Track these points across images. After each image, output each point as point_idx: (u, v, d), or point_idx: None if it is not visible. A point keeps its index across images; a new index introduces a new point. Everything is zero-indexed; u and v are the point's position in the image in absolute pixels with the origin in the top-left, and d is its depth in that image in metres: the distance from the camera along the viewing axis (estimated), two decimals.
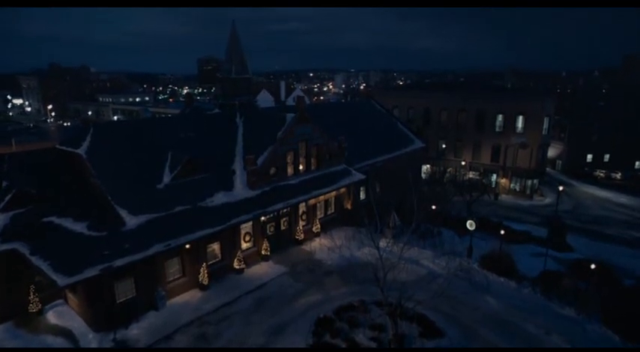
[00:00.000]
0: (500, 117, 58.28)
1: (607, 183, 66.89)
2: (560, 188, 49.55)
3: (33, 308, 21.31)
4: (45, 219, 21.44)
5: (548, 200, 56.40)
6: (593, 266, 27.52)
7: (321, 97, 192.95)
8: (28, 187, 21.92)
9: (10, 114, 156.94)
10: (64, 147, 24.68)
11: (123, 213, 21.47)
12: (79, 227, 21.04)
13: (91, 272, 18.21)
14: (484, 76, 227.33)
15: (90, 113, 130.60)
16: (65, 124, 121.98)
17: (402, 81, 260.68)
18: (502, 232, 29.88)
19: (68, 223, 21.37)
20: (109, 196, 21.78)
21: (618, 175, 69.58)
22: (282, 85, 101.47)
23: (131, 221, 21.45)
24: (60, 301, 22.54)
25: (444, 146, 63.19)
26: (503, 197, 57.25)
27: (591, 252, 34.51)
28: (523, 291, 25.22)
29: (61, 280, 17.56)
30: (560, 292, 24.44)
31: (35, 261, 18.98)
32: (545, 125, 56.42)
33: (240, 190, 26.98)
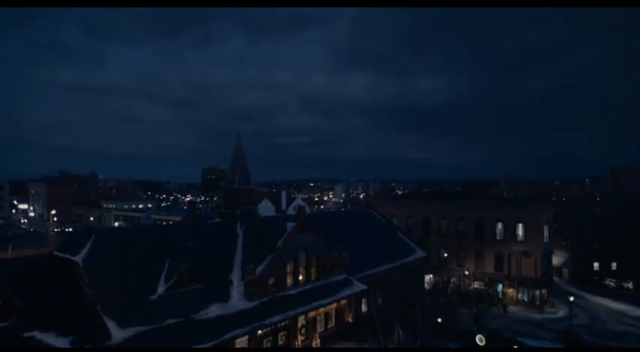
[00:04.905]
0: (499, 226, 58.47)
1: (619, 293, 64.20)
2: (572, 299, 47.48)
3: None
4: (27, 334, 20.15)
5: (561, 312, 53.49)
6: None
7: (322, 206, 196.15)
8: (16, 297, 21.06)
9: (12, 218, 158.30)
10: (61, 254, 24.40)
11: (111, 325, 20.32)
12: (62, 342, 19.63)
13: None
14: (480, 184, 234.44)
15: (92, 219, 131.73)
16: (66, 229, 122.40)
17: (400, 190, 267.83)
18: (515, 347, 27.85)
19: (51, 338, 19.98)
20: (99, 306, 20.83)
21: (630, 285, 67.15)
22: (284, 194, 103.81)
23: (118, 334, 20.16)
24: None
25: (445, 255, 62.24)
26: (512, 308, 54.46)
27: None
28: None
29: None
30: None
31: None
32: (546, 233, 56.37)
33: (237, 301, 25.87)
